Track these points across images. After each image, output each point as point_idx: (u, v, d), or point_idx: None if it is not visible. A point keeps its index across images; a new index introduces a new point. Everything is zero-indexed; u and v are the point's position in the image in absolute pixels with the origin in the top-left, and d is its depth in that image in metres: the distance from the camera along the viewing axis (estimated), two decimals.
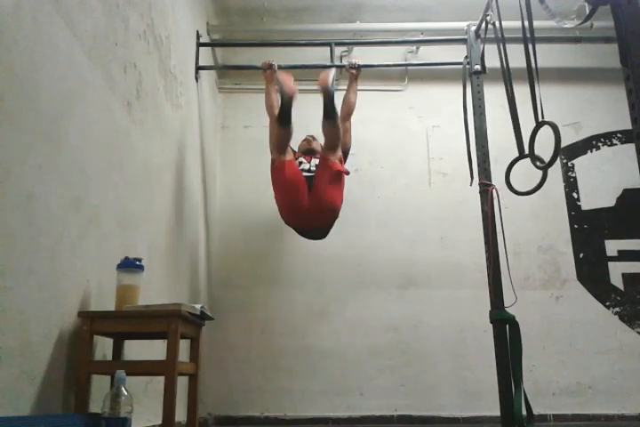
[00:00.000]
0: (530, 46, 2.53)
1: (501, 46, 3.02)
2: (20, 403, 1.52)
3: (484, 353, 3.40)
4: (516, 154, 2.86)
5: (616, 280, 4.28)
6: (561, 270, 4.29)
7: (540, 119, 2.54)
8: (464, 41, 3.77)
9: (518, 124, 2.86)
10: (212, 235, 4.19)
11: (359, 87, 3.93)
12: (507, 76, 2.95)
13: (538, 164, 2.59)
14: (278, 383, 3.97)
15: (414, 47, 4.64)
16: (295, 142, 3.66)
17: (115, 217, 2.20)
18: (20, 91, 1.56)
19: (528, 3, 2.50)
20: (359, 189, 4.42)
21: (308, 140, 3.71)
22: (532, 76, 2.51)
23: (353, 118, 4.60)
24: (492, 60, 3.58)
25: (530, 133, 2.62)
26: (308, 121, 4.60)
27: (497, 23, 3.12)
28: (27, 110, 1.59)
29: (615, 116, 4.48)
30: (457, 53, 3.93)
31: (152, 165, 2.70)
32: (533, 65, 2.51)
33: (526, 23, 2.54)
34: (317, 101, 4.66)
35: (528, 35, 2.51)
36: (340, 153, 3.45)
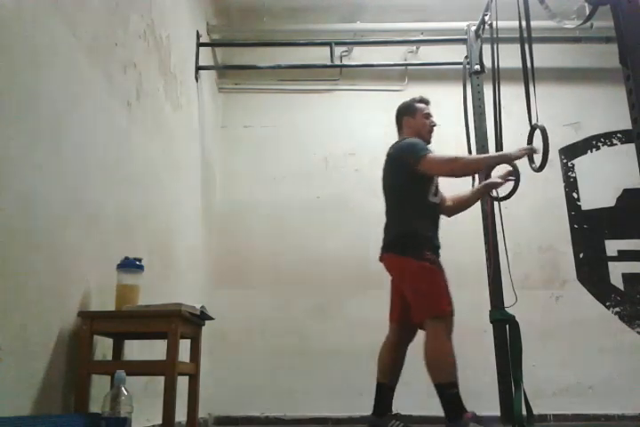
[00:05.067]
0: (526, 47, 2.53)
1: (495, 47, 3.03)
2: (20, 403, 1.52)
3: (484, 353, 3.40)
4: None
5: (616, 280, 4.28)
6: (561, 270, 4.29)
7: (534, 121, 2.55)
8: (464, 41, 3.77)
9: (501, 126, 2.88)
10: (212, 235, 4.19)
11: (359, 87, 3.92)
12: (496, 76, 2.96)
13: (533, 166, 2.60)
14: (278, 383, 3.97)
15: (414, 47, 4.64)
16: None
17: (115, 217, 2.20)
18: (21, 91, 1.56)
19: (526, 2, 2.49)
20: (359, 189, 4.42)
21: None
22: (527, 77, 2.50)
23: (353, 118, 4.62)
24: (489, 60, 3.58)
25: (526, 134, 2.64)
26: (307, 121, 4.62)
27: (494, 24, 3.13)
28: (27, 110, 1.59)
29: (615, 116, 4.47)
30: (457, 53, 3.93)
31: (152, 165, 2.70)
32: (529, 65, 2.50)
33: (524, 23, 2.54)
34: (317, 101, 4.69)
35: (525, 35, 2.50)
36: None
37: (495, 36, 3.08)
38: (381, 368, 2.64)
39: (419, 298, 2.48)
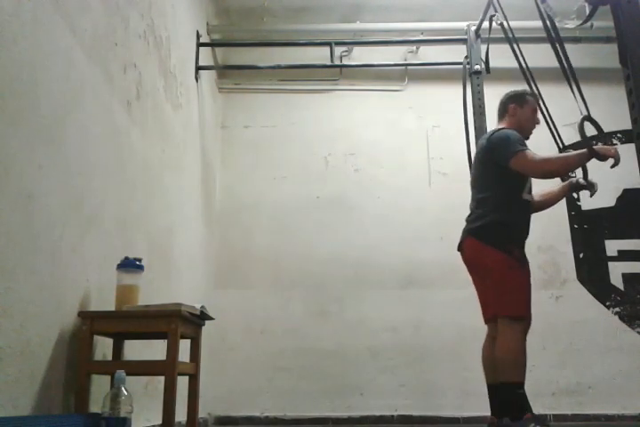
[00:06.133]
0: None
1: (514, 45, 3.00)
2: (19, 403, 1.52)
3: None
4: None
5: (616, 280, 4.28)
6: (561, 270, 4.29)
7: (584, 112, 2.46)
8: (464, 41, 3.77)
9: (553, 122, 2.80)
10: (212, 235, 4.19)
11: (359, 87, 3.92)
12: (528, 74, 2.90)
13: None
14: (278, 383, 3.97)
15: (414, 47, 4.64)
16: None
17: (115, 217, 2.20)
18: (20, 91, 1.56)
19: (543, 2, 2.46)
20: (359, 189, 4.42)
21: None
22: (568, 74, 2.44)
23: (353, 118, 4.62)
24: (491, 60, 3.58)
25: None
26: (307, 121, 4.62)
27: (505, 23, 3.11)
28: (27, 110, 1.59)
29: (615, 116, 4.46)
30: (457, 53, 3.93)
31: (152, 165, 2.70)
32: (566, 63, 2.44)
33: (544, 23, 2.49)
34: (317, 101, 4.69)
35: (554, 34, 2.45)
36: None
37: (511, 35, 3.03)
38: (490, 370, 2.49)
39: (501, 294, 2.43)
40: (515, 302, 2.42)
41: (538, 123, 2.71)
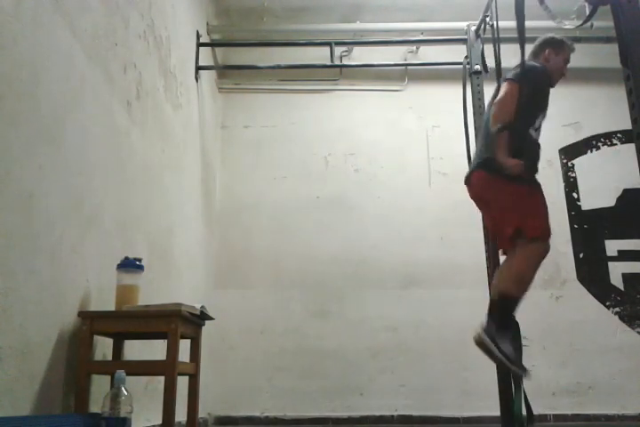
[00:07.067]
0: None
1: (497, 47, 3.03)
2: (19, 403, 1.52)
3: None
4: None
5: (616, 280, 4.28)
6: (561, 270, 4.29)
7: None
8: (464, 41, 3.77)
9: None
10: (212, 235, 4.19)
11: (359, 87, 3.92)
12: (499, 76, 2.95)
13: None
14: (278, 383, 3.97)
15: (414, 47, 4.65)
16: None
17: (115, 217, 2.20)
18: (21, 91, 1.56)
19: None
20: (359, 189, 4.42)
21: None
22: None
23: (353, 118, 4.63)
24: (492, 60, 3.58)
25: None
26: (307, 121, 4.62)
27: (495, 24, 3.13)
28: (27, 110, 1.59)
29: (615, 116, 4.47)
30: (457, 53, 3.93)
31: (152, 165, 2.70)
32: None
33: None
34: (317, 101, 4.69)
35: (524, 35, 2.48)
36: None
37: (497, 36, 3.06)
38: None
39: (514, 215, 2.39)
40: (533, 224, 2.38)
41: (564, 74, 2.67)
